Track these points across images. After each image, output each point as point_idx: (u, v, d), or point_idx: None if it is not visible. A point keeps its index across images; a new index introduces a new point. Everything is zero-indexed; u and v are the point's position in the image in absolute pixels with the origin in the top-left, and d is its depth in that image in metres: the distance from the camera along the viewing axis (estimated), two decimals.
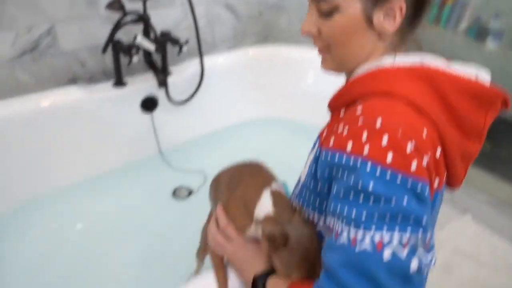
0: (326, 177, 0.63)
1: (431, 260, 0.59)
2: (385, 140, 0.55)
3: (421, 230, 0.54)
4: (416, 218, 0.54)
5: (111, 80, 1.62)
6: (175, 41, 1.53)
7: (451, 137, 0.61)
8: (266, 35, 2.09)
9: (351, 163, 0.57)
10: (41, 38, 1.45)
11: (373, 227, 0.54)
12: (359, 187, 0.55)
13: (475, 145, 0.65)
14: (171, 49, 1.62)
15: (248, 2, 1.92)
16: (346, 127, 0.59)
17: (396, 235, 0.53)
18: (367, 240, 0.54)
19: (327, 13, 0.64)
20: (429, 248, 0.57)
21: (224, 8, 1.85)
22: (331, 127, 0.68)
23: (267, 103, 1.99)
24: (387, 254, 0.53)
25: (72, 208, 1.51)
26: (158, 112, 1.68)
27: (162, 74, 1.51)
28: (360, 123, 0.58)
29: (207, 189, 1.65)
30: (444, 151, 0.62)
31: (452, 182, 0.67)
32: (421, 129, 0.58)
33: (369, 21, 0.63)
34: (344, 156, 0.58)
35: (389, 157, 0.54)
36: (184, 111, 1.76)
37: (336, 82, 1.76)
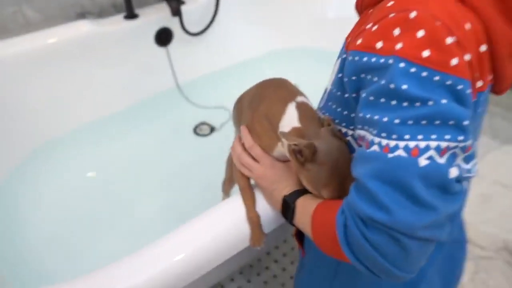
0: (353, 82, 0.57)
1: (471, 170, 0.54)
2: (420, 33, 0.48)
3: (462, 135, 0.48)
4: (456, 122, 0.48)
5: (121, 13, 1.53)
6: None
7: (500, 31, 0.53)
8: None
9: (382, 62, 0.50)
10: None
11: (408, 134, 0.48)
12: (391, 89, 0.49)
13: None
14: None
15: None
16: (375, 24, 0.52)
17: (434, 141, 0.48)
18: (401, 147, 0.49)
19: None
20: (470, 156, 0.52)
21: None
22: (358, 27, 0.60)
23: (288, 32, 1.85)
24: (423, 160, 0.47)
25: (90, 150, 1.49)
26: (173, 45, 1.59)
27: (175, 1, 1.40)
28: (391, 16, 0.50)
29: (230, 126, 1.60)
30: (490, 48, 0.53)
31: (498, 85, 0.58)
32: (464, 22, 0.50)
33: None
34: (374, 55, 0.51)
35: (426, 52, 0.47)
36: (201, 44, 1.66)
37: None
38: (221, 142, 1.53)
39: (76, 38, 1.39)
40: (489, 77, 0.55)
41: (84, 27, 1.40)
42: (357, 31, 0.59)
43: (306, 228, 0.64)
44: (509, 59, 0.55)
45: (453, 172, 0.48)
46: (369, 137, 0.53)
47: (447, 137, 0.48)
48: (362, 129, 0.55)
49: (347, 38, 0.64)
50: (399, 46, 0.49)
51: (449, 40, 0.47)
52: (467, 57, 0.49)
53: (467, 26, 0.50)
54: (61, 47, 1.37)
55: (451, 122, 0.48)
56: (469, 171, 0.53)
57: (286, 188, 0.71)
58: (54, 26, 1.42)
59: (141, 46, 1.53)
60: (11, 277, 1.05)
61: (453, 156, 0.49)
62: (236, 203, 0.78)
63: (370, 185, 0.49)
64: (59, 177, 1.39)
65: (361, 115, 0.54)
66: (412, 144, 0.48)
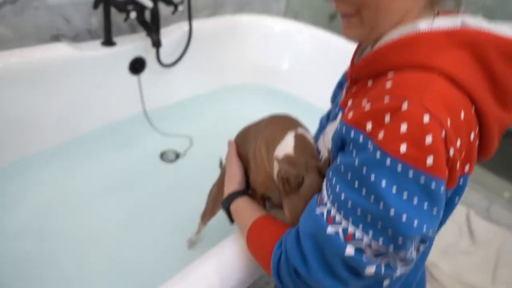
0: (338, 147, 0.60)
1: (394, 271, 0.55)
2: (404, 127, 0.48)
3: (392, 246, 0.51)
4: (395, 234, 0.50)
5: (96, 39, 1.56)
6: (169, 1, 1.51)
7: (491, 111, 0.55)
8: (243, 4, 2.11)
9: (365, 144, 0.52)
10: None
11: (351, 219, 0.53)
12: (362, 172, 0.51)
13: (510, 116, 0.58)
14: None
15: None
16: (370, 103, 0.53)
17: (367, 238, 0.52)
18: (342, 226, 0.54)
19: None
20: (402, 262, 0.54)
21: None
22: (356, 99, 0.62)
23: (248, 70, 2.03)
24: (350, 248, 0.53)
25: (55, 171, 1.45)
26: (145, 74, 1.65)
27: (155, 33, 1.48)
28: (385, 101, 0.51)
29: (195, 153, 1.68)
30: (481, 126, 0.56)
31: (483, 154, 0.61)
32: (459, 110, 0.52)
33: None
34: (361, 135, 0.52)
35: (403, 147, 0.48)
36: (170, 74, 1.74)
37: (316, 57, 1.81)
38: (186, 168, 1.60)
39: (53, 59, 1.38)
40: (476, 157, 0.57)
41: (62, 49, 1.40)
42: (355, 101, 0.62)
43: (241, 231, 0.76)
44: (497, 136, 0.59)
45: (370, 270, 0.53)
46: (325, 196, 0.58)
47: (381, 240, 0.51)
48: (325, 183, 0.59)
49: (342, 104, 0.68)
50: (381, 136, 0.50)
51: (429, 139, 0.48)
52: (451, 151, 0.50)
53: (462, 114, 0.52)
54: (38, 67, 1.35)
55: (390, 231, 0.50)
56: (392, 272, 0.55)
57: (229, 188, 0.84)
58: (27, 46, 1.40)
59: (115, 72, 1.56)
60: None
61: (380, 255, 0.53)
62: (239, 244, 0.81)
63: (305, 244, 0.57)
64: (17, 202, 1.32)
65: (330, 174, 0.58)
66: (351, 228, 0.53)
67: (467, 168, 0.56)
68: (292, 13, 2.41)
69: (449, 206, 0.60)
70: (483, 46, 0.53)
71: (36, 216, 1.30)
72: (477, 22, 0.56)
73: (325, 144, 0.72)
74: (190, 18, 1.63)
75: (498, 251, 1.67)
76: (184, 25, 1.69)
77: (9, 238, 1.21)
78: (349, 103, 0.65)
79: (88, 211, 1.35)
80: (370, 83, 0.61)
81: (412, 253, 0.53)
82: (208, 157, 1.59)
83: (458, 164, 0.52)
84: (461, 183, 0.57)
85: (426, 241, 0.57)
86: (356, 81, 0.67)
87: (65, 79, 1.42)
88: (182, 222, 1.32)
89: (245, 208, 0.78)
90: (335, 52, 1.70)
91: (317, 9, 2.40)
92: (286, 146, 0.72)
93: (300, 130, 0.77)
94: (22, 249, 1.19)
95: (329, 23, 2.33)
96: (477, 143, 0.56)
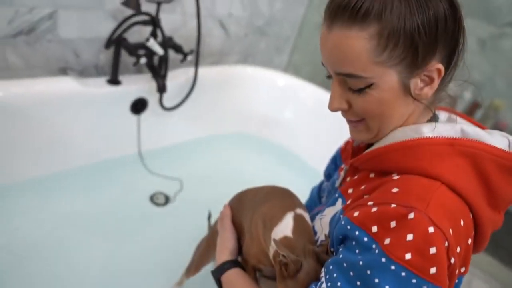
0: (339, 241, 0.62)
1: None
2: (410, 236, 0.52)
3: None
4: None
5: (101, 76, 1.58)
6: (179, 49, 1.55)
7: (486, 215, 0.60)
8: (247, 55, 2.18)
9: (370, 245, 0.54)
10: (41, 21, 1.37)
11: None
12: (366, 273, 0.53)
13: (501, 216, 0.63)
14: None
15: (238, 22, 1.99)
16: (376, 207, 0.56)
17: None
18: None
19: (360, 89, 0.60)
20: None
21: (218, 24, 1.91)
22: (357, 190, 0.66)
23: (245, 120, 2.07)
24: None
25: (42, 203, 1.42)
26: (145, 114, 1.66)
27: (162, 79, 1.51)
28: (392, 207, 0.54)
29: (184, 197, 1.68)
30: (477, 228, 0.60)
31: (476, 250, 0.65)
32: (460, 218, 0.56)
33: (407, 89, 0.60)
34: (366, 236, 0.55)
35: (408, 255, 0.51)
36: (170, 118, 1.76)
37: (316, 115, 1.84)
38: (175, 214, 1.58)
39: (60, 92, 1.39)
40: (471, 258, 0.61)
41: (70, 83, 1.42)
42: (356, 192, 0.65)
43: None
44: (489, 233, 0.63)
45: None
46: (324, 284, 0.58)
47: None
48: (325, 274, 0.60)
49: (343, 190, 0.70)
50: (387, 241, 0.52)
51: (433, 250, 0.51)
52: (452, 259, 0.53)
53: (462, 222, 0.56)
54: (45, 98, 1.36)
55: None
56: None
57: (221, 257, 0.84)
58: (34, 76, 1.41)
59: (117, 111, 1.57)
60: None
61: None
62: None
63: None
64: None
65: (330, 265, 0.59)
66: None
67: (463, 269, 0.60)
68: (292, 67, 2.49)
69: None
70: (481, 156, 0.58)
71: (13, 245, 1.26)
72: (474, 131, 0.61)
73: (322, 227, 0.73)
74: (196, 65, 1.67)
75: None
76: (189, 71, 1.73)
77: None
78: (350, 191, 0.68)
79: (71, 248, 1.31)
80: (372, 175, 0.65)
81: None
82: (197, 204, 1.58)
83: (457, 270, 0.55)
84: (456, 281, 0.60)
85: None
86: (357, 169, 0.70)
87: (66, 113, 1.43)
88: (165, 271, 1.29)
89: (237, 282, 0.78)
90: (336, 114, 1.75)
91: (317, 66, 2.48)
92: (285, 227, 0.73)
93: (298, 211, 0.77)
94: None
95: (326, 79, 2.42)
96: (472, 244, 0.60)
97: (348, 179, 0.72)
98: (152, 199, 1.63)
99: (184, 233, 1.46)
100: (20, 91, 1.32)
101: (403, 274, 0.51)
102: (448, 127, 0.62)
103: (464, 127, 0.62)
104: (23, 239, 1.29)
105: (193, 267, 1.10)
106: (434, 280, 0.51)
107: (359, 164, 0.68)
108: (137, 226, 1.48)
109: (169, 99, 1.69)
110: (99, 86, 1.49)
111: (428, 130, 0.61)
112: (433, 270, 0.51)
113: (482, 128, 0.66)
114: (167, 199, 1.65)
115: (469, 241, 0.58)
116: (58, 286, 1.19)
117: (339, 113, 0.67)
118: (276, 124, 2.08)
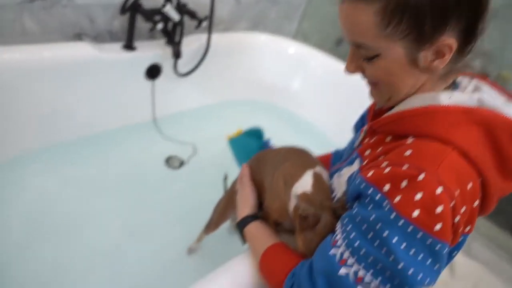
0: (353, 198, 0.66)
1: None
2: (418, 195, 0.55)
3: None
4: (401, 283, 0.56)
5: (116, 41, 1.60)
6: (193, 15, 1.56)
7: (495, 183, 0.62)
8: (257, 22, 2.18)
9: (381, 202, 0.58)
10: None
11: (363, 264, 0.59)
12: (376, 227, 0.58)
13: (510, 184, 0.65)
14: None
15: None
16: (390, 167, 0.60)
17: (375, 282, 0.58)
18: (353, 269, 0.60)
19: (369, 58, 0.64)
20: None
21: None
22: (373, 151, 0.70)
23: (256, 87, 2.10)
24: None
25: (61, 168, 1.47)
26: (159, 80, 1.69)
27: (177, 45, 1.53)
28: (404, 168, 0.58)
29: (198, 161, 1.73)
30: (484, 193, 0.63)
31: (482, 213, 0.67)
32: (468, 181, 0.59)
33: (414, 62, 0.62)
34: (378, 193, 0.59)
35: (416, 212, 0.55)
36: (184, 83, 1.79)
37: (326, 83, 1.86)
38: (190, 176, 1.64)
39: (76, 58, 1.41)
40: (476, 218, 0.64)
41: (85, 49, 1.44)
42: (373, 154, 0.69)
43: (255, 255, 0.80)
44: (496, 201, 0.66)
45: None
46: (340, 238, 0.63)
47: (388, 286, 0.57)
48: (341, 227, 0.65)
49: (360, 152, 0.73)
50: (397, 199, 0.57)
51: (439, 209, 0.55)
52: (457, 218, 0.57)
53: (469, 185, 0.59)
54: (61, 63, 1.38)
55: (397, 280, 0.56)
56: None
57: (243, 211, 0.89)
58: (50, 41, 1.43)
59: (131, 76, 1.60)
60: None
61: None
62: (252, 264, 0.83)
63: (317, 280, 0.63)
64: (20, 194, 1.34)
65: (345, 220, 0.64)
66: (361, 272, 0.59)
67: (468, 228, 0.64)
68: (301, 35, 2.49)
69: (448, 259, 0.67)
70: (496, 126, 0.60)
71: (38, 204, 1.33)
72: (493, 101, 0.63)
73: (341, 185, 0.78)
74: (210, 32, 1.68)
75: (475, 286, 1.76)
76: (203, 37, 1.74)
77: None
78: (367, 152, 0.71)
79: (89, 209, 1.38)
80: (388, 139, 0.68)
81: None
82: (210, 167, 1.64)
83: (461, 228, 0.60)
84: (460, 240, 0.65)
85: None
86: (375, 132, 0.73)
87: (83, 78, 1.46)
88: (183, 228, 1.37)
89: (259, 233, 0.83)
90: (345, 82, 1.78)
91: (326, 34, 2.48)
92: (305, 184, 0.77)
93: (317, 169, 0.81)
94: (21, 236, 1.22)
95: (335, 47, 2.42)
96: (478, 206, 0.63)
97: (366, 140, 0.76)
98: (167, 162, 1.68)
99: (198, 194, 1.52)
100: (36, 56, 1.34)
101: (409, 229, 0.55)
102: (465, 96, 0.64)
103: (484, 96, 0.64)
104: (44, 203, 1.35)
105: (213, 225, 1.17)
106: (438, 235, 0.55)
107: (378, 127, 0.71)
108: (154, 188, 1.54)
109: (183, 65, 1.71)
110: (114, 51, 1.52)
111: (445, 98, 0.63)
112: (438, 227, 0.55)
113: None
114: (181, 163, 1.70)
115: (475, 203, 0.61)
116: (80, 244, 1.26)
117: (353, 84, 0.70)
118: (286, 91, 2.10)
